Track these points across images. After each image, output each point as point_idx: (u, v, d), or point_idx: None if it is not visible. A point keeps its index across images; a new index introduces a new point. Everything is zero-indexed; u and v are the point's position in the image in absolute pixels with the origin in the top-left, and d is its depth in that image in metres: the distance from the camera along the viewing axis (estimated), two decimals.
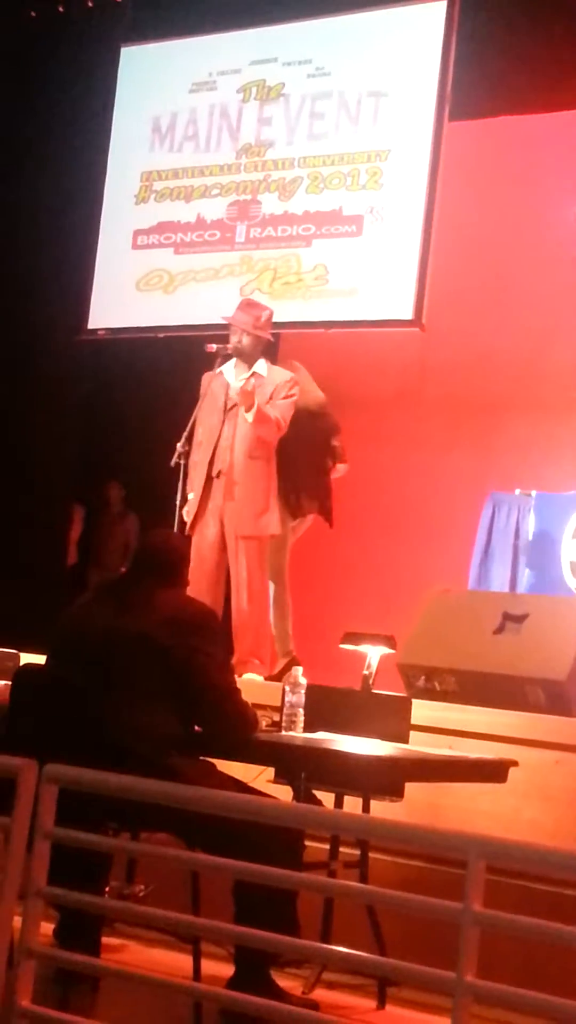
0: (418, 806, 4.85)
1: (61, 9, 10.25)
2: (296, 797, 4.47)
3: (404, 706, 5.00)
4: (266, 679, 6.64)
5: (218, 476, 6.84)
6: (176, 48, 9.74)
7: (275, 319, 7.24)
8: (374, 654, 5.35)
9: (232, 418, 6.85)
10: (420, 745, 4.92)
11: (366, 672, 5.31)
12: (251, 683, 6.26)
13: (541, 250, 8.83)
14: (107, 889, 4.59)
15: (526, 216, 8.94)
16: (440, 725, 5.47)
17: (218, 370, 6.98)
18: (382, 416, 9.23)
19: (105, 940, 4.53)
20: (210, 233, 9.32)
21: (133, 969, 4.12)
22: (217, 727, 4.38)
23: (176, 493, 7.13)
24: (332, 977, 4.58)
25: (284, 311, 7.29)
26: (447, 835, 3.28)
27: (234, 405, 6.83)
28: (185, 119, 9.57)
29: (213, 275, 9.23)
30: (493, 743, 5.30)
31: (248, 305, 7.22)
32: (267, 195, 9.14)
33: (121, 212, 9.69)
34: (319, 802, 4.58)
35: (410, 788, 4.67)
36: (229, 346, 6.96)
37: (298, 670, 4.69)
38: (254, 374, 6.89)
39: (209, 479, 6.86)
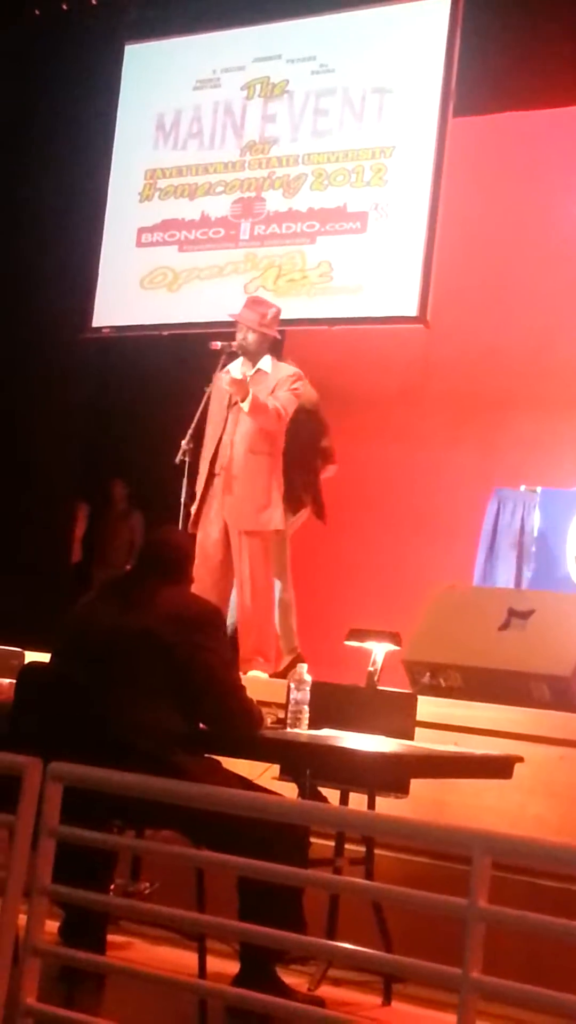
0: (423, 802, 4.84)
1: (65, 7, 10.25)
2: (301, 794, 4.46)
3: (409, 702, 4.99)
4: (271, 676, 6.64)
5: (220, 472, 6.83)
6: (180, 45, 9.74)
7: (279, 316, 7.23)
8: (379, 651, 5.34)
9: (235, 414, 6.84)
10: (425, 741, 4.92)
11: (371, 669, 5.30)
12: (256, 680, 6.26)
13: (546, 246, 8.81)
14: (112, 887, 4.59)
15: (531, 212, 8.92)
16: (445, 721, 5.46)
17: (226, 368, 6.97)
18: (387, 413, 9.22)
19: (110, 938, 4.53)
20: (214, 231, 9.32)
21: (138, 967, 4.12)
22: (222, 724, 4.38)
23: (181, 491, 7.13)
24: (338, 974, 4.57)
25: (288, 308, 7.28)
26: (452, 831, 3.27)
27: (236, 401, 6.82)
28: (189, 116, 9.58)
29: (217, 273, 9.23)
30: (498, 739, 5.30)
31: (254, 302, 7.21)
32: (271, 192, 9.14)
33: (125, 210, 9.69)
34: (324, 799, 4.58)
35: (415, 784, 4.66)
36: (234, 344, 6.95)
37: (303, 667, 4.69)
38: (258, 370, 6.88)
39: (212, 475, 6.86)
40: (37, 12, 10.34)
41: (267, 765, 4.78)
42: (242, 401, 6.72)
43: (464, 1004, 2.87)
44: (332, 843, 4.70)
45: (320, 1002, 4.25)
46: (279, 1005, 3.40)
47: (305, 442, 7.30)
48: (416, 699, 5.06)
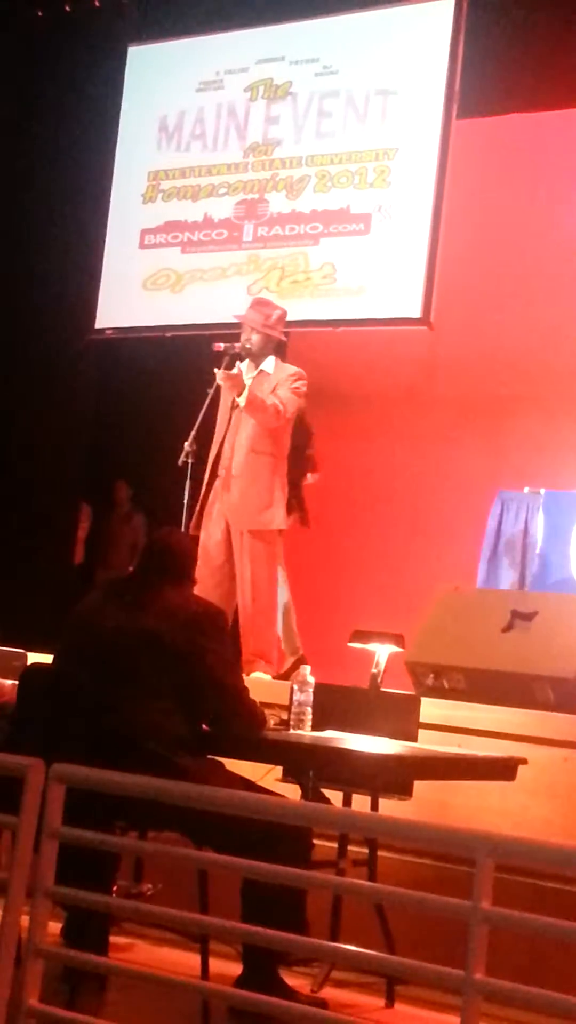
0: (427, 804, 4.84)
1: (68, 8, 10.26)
2: (304, 796, 4.46)
3: (413, 704, 4.99)
4: (274, 678, 6.63)
5: (222, 473, 6.83)
6: (183, 47, 9.75)
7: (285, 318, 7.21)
8: (382, 652, 5.33)
9: (237, 415, 6.84)
10: (429, 743, 4.92)
11: (374, 670, 5.30)
12: (259, 682, 6.25)
13: (550, 248, 8.81)
14: (114, 888, 4.59)
15: (534, 214, 8.92)
16: (449, 723, 5.46)
17: (234, 371, 6.96)
18: (390, 415, 9.22)
19: (113, 939, 4.52)
20: (217, 232, 9.32)
21: (141, 968, 4.12)
22: (225, 726, 4.37)
23: (183, 492, 7.13)
24: (341, 975, 4.57)
25: (292, 310, 7.27)
26: (456, 833, 3.27)
27: (234, 404, 6.81)
28: (192, 118, 9.58)
29: (220, 274, 9.23)
30: (502, 741, 5.29)
31: (259, 303, 7.21)
32: (274, 194, 9.14)
33: (128, 211, 9.69)
34: (327, 800, 4.57)
35: (419, 786, 4.66)
36: (237, 345, 6.94)
37: (306, 668, 4.68)
38: (260, 371, 6.87)
39: (214, 477, 6.85)
40: (40, 13, 10.35)
41: (270, 766, 4.77)
42: (238, 396, 6.71)
43: (467, 1006, 2.87)
44: (335, 845, 4.70)
45: (323, 1004, 4.24)
46: (282, 1007, 3.40)
47: (291, 449, 7.27)
48: (419, 701, 5.06)
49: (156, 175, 9.67)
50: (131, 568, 4.96)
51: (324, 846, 4.55)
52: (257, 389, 6.74)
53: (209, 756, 4.35)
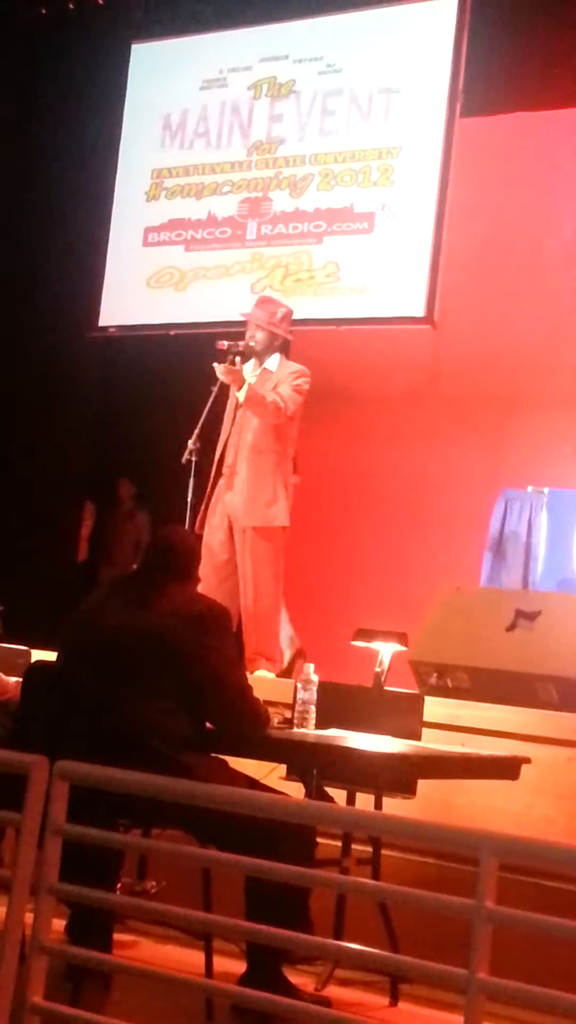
0: (430, 803, 4.84)
1: (71, 6, 10.26)
2: (308, 794, 4.46)
3: (416, 703, 4.99)
4: (278, 676, 6.63)
5: (226, 471, 6.83)
6: (187, 45, 9.75)
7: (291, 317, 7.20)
8: (386, 651, 5.33)
9: (241, 413, 6.84)
10: (433, 742, 4.92)
11: (378, 669, 5.29)
12: (263, 680, 6.25)
13: (554, 247, 8.81)
14: (118, 885, 4.59)
15: (538, 213, 8.92)
16: (453, 722, 5.45)
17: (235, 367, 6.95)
18: (394, 413, 9.22)
19: (117, 936, 4.52)
20: (221, 230, 9.32)
21: (145, 965, 4.12)
22: (229, 724, 4.37)
23: (187, 490, 7.13)
24: (345, 974, 4.57)
25: (295, 308, 7.28)
26: (459, 832, 3.27)
27: (240, 403, 6.81)
28: (196, 116, 9.58)
29: (224, 272, 9.23)
30: (506, 740, 5.29)
31: (265, 301, 7.22)
32: (278, 192, 9.14)
33: (132, 209, 9.69)
34: (331, 799, 4.57)
35: (422, 785, 4.66)
36: (240, 343, 6.94)
37: (310, 667, 4.68)
38: (263, 369, 6.87)
39: (219, 474, 6.85)
40: (44, 11, 10.35)
41: (274, 765, 4.77)
42: (237, 391, 6.71)
43: (471, 1005, 2.87)
44: (339, 843, 4.70)
45: (327, 1002, 4.24)
46: (285, 1005, 3.40)
47: None
48: (423, 700, 5.06)
49: (160, 173, 9.67)
50: (135, 566, 4.97)
51: (328, 845, 4.54)
52: (260, 386, 6.74)
53: (213, 754, 4.35)
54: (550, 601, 6.51)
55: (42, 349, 10.06)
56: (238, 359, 6.82)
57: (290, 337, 7.03)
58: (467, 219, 8.63)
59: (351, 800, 4.76)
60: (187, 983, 3.84)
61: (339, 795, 4.70)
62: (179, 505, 7.16)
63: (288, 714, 4.65)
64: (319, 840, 4.27)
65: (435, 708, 5.29)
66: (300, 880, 3.68)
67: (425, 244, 8.48)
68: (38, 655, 5.43)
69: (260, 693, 4.50)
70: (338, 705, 4.73)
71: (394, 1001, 4.53)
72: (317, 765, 4.44)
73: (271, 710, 4.53)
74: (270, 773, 4.75)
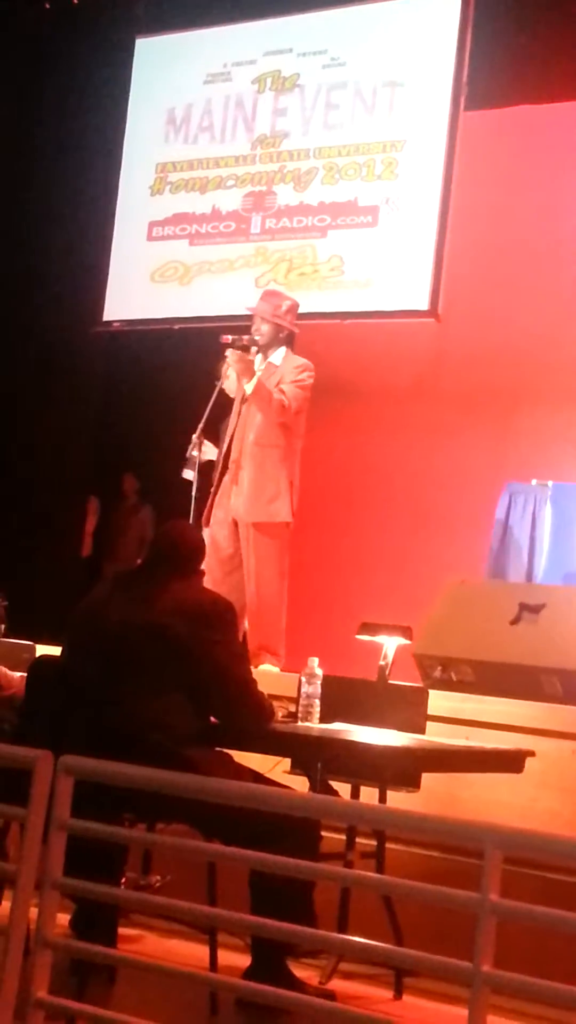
0: (435, 796, 4.84)
1: (75, 1, 10.25)
2: (312, 788, 4.46)
3: (421, 697, 4.99)
4: (282, 670, 6.63)
5: (231, 466, 6.83)
6: (191, 39, 9.74)
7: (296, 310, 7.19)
8: (391, 644, 5.33)
9: (247, 408, 6.84)
10: (437, 736, 4.91)
11: (383, 663, 5.29)
12: (267, 674, 6.26)
13: (558, 240, 8.79)
14: (123, 880, 4.60)
15: (543, 206, 8.90)
16: (457, 715, 5.46)
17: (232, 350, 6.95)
18: (398, 407, 9.21)
19: (121, 931, 4.53)
20: (225, 224, 9.31)
21: (149, 959, 4.12)
22: (233, 718, 4.37)
23: (192, 484, 7.14)
24: (349, 967, 4.57)
25: (299, 302, 7.27)
26: (464, 825, 3.27)
27: (246, 397, 6.81)
28: (200, 110, 9.57)
29: (228, 267, 9.23)
30: (510, 733, 5.29)
31: (270, 294, 7.22)
32: (282, 186, 9.14)
33: (136, 204, 9.69)
34: (335, 793, 4.58)
35: (427, 778, 4.66)
36: (246, 336, 6.94)
37: (314, 661, 4.68)
38: (268, 363, 6.86)
39: (224, 469, 6.86)
40: (48, 5, 10.34)
41: (278, 759, 4.77)
42: (247, 382, 6.71)
43: (475, 998, 2.87)
44: (343, 837, 4.70)
45: (331, 995, 4.25)
46: (290, 998, 3.41)
47: None
48: (427, 693, 5.06)
49: (164, 167, 9.67)
50: (139, 561, 4.97)
51: (332, 838, 4.55)
52: (265, 381, 6.74)
53: (217, 748, 4.35)
54: (554, 594, 6.51)
55: (46, 344, 10.06)
56: (254, 349, 6.82)
57: (296, 330, 7.02)
58: (471, 213, 8.62)
59: (355, 794, 4.76)
60: (192, 977, 3.84)
61: (343, 789, 4.71)
62: (184, 499, 7.16)
63: (292, 708, 4.66)
64: (323, 834, 4.28)
65: (439, 701, 5.29)
66: (304, 874, 3.68)
67: (429, 237, 8.48)
68: (42, 650, 5.44)
69: (264, 687, 4.51)
70: (342, 699, 4.73)
71: (398, 994, 4.54)
72: (321, 759, 4.44)
73: (275, 704, 4.53)
74: (275, 767, 4.76)
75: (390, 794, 4.70)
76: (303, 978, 4.24)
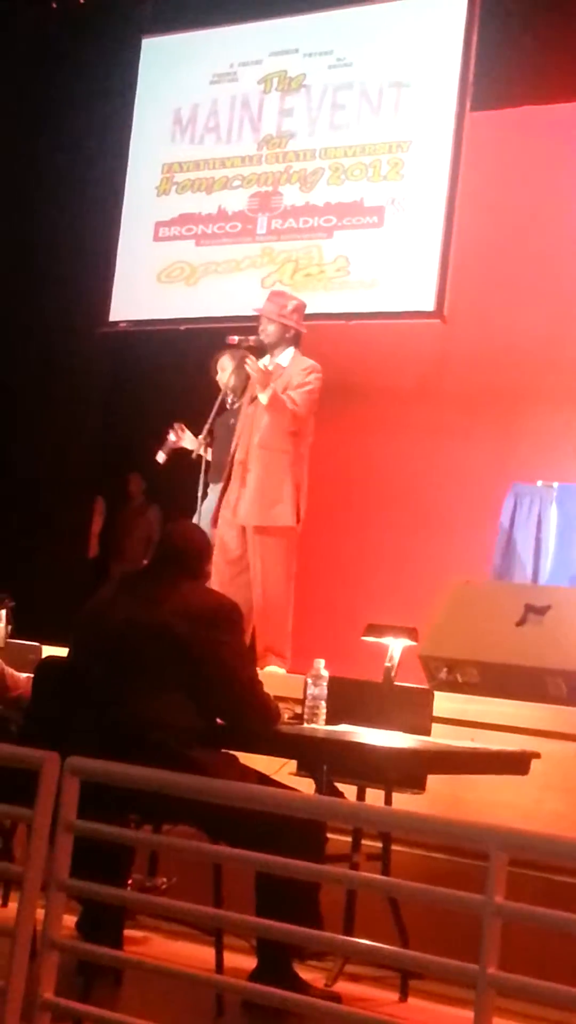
0: (440, 798, 4.84)
1: (81, 1, 10.25)
2: (318, 789, 4.46)
3: (426, 698, 4.99)
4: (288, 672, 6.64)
5: (238, 467, 6.83)
6: (197, 39, 9.74)
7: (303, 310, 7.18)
8: (396, 646, 5.33)
9: (254, 409, 6.84)
10: (442, 737, 4.92)
11: (388, 664, 5.29)
12: (273, 675, 6.27)
13: (564, 241, 8.78)
14: (129, 882, 4.60)
15: (549, 207, 8.89)
16: (462, 717, 5.46)
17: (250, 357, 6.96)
18: (403, 408, 9.21)
19: (128, 932, 4.54)
20: (231, 225, 9.31)
21: (155, 961, 4.11)
22: (239, 719, 4.38)
23: (198, 485, 7.15)
24: (354, 969, 4.57)
25: (305, 303, 7.28)
26: (469, 827, 3.27)
27: (254, 398, 6.82)
28: (206, 110, 9.57)
29: (234, 267, 9.22)
30: (515, 735, 5.29)
31: (276, 294, 7.24)
32: (288, 186, 9.14)
33: (142, 204, 9.69)
34: (341, 794, 4.58)
35: (432, 780, 4.67)
36: (252, 337, 6.95)
37: (320, 662, 4.69)
38: (276, 365, 6.86)
39: (232, 469, 6.86)
40: (54, 5, 10.34)
41: (284, 761, 4.78)
42: (262, 391, 6.70)
43: (481, 1000, 2.87)
44: (349, 839, 4.71)
45: (337, 998, 4.24)
46: (296, 1000, 3.41)
47: None
48: (433, 695, 5.07)
49: (170, 167, 9.67)
50: (145, 561, 4.97)
51: (338, 840, 4.55)
52: (272, 382, 6.73)
53: (223, 750, 4.36)
54: (560, 595, 6.51)
55: (52, 344, 10.06)
56: (268, 357, 6.83)
57: (303, 330, 7.02)
58: (477, 213, 8.61)
59: (361, 796, 4.77)
60: (198, 979, 3.84)
61: (349, 790, 4.71)
62: (190, 500, 7.18)
63: (298, 709, 4.66)
64: (329, 835, 4.28)
65: (444, 703, 5.30)
66: (310, 876, 3.68)
67: (435, 238, 8.47)
68: (49, 651, 5.45)
69: (270, 688, 4.51)
70: (348, 700, 4.73)
71: (404, 996, 4.54)
72: (327, 761, 4.45)
73: (281, 705, 4.54)
74: (280, 769, 4.76)
75: (395, 796, 4.70)
76: (309, 980, 4.24)
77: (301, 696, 4.66)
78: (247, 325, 7.17)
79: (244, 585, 6.73)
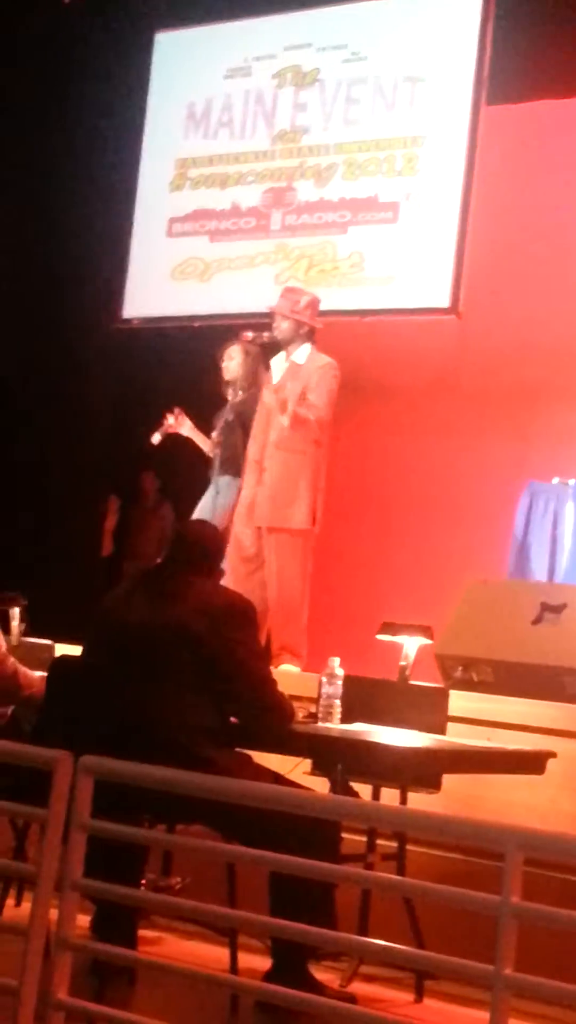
0: (455, 798, 4.82)
1: None
2: (333, 789, 4.44)
3: (441, 697, 4.97)
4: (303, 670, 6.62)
5: (255, 467, 6.81)
6: (210, 34, 9.71)
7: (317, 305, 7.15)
8: (411, 645, 5.32)
9: (268, 406, 6.83)
10: (457, 736, 4.90)
11: (403, 663, 5.28)
12: (287, 674, 6.24)
13: None
14: (143, 881, 4.59)
15: (564, 202, 8.84)
16: (478, 716, 5.43)
17: (268, 366, 6.96)
18: (418, 405, 9.17)
19: (141, 933, 4.53)
20: (245, 220, 9.29)
21: (169, 961, 4.11)
22: (253, 718, 4.36)
23: (211, 484, 7.14)
24: (370, 970, 4.56)
25: (320, 298, 7.26)
26: (485, 827, 3.25)
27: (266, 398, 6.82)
28: (220, 105, 9.55)
29: (248, 263, 9.20)
30: (531, 734, 5.27)
31: (289, 291, 7.22)
32: (302, 182, 9.11)
33: (156, 200, 9.67)
34: (356, 794, 4.56)
35: (447, 780, 4.64)
36: (266, 334, 6.93)
37: (335, 661, 4.67)
38: (292, 363, 6.84)
39: (250, 467, 6.85)
40: (66, 0, 10.32)
41: (299, 760, 4.76)
42: (281, 415, 6.66)
43: (496, 1001, 2.85)
44: (364, 839, 4.70)
45: (352, 998, 4.23)
46: (310, 1001, 3.39)
47: None
48: (448, 694, 5.05)
49: (184, 163, 9.65)
50: (159, 560, 4.96)
51: (353, 840, 4.54)
52: (289, 380, 6.72)
53: (237, 749, 4.34)
54: None
55: (66, 341, 10.05)
56: (283, 354, 6.79)
57: (317, 325, 6.99)
58: (492, 208, 8.57)
59: (376, 795, 4.74)
60: (212, 979, 3.83)
61: (364, 790, 4.69)
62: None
63: (313, 708, 4.64)
64: (344, 835, 4.26)
65: (460, 702, 5.28)
66: (325, 876, 3.67)
67: (450, 234, 8.44)
68: (62, 650, 5.44)
69: (285, 687, 4.49)
70: (363, 699, 4.71)
71: (419, 997, 4.53)
72: (342, 760, 4.43)
73: (296, 704, 4.52)
74: (295, 768, 4.74)
75: (411, 795, 4.69)
76: (324, 981, 4.23)
77: (316, 695, 4.64)
78: (261, 321, 7.14)
79: (259, 583, 6.72)
